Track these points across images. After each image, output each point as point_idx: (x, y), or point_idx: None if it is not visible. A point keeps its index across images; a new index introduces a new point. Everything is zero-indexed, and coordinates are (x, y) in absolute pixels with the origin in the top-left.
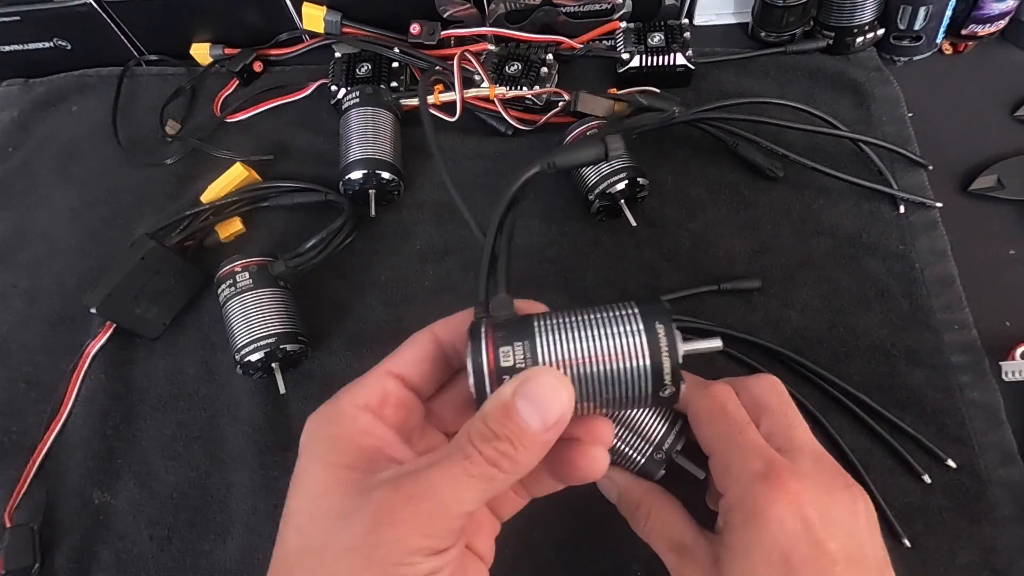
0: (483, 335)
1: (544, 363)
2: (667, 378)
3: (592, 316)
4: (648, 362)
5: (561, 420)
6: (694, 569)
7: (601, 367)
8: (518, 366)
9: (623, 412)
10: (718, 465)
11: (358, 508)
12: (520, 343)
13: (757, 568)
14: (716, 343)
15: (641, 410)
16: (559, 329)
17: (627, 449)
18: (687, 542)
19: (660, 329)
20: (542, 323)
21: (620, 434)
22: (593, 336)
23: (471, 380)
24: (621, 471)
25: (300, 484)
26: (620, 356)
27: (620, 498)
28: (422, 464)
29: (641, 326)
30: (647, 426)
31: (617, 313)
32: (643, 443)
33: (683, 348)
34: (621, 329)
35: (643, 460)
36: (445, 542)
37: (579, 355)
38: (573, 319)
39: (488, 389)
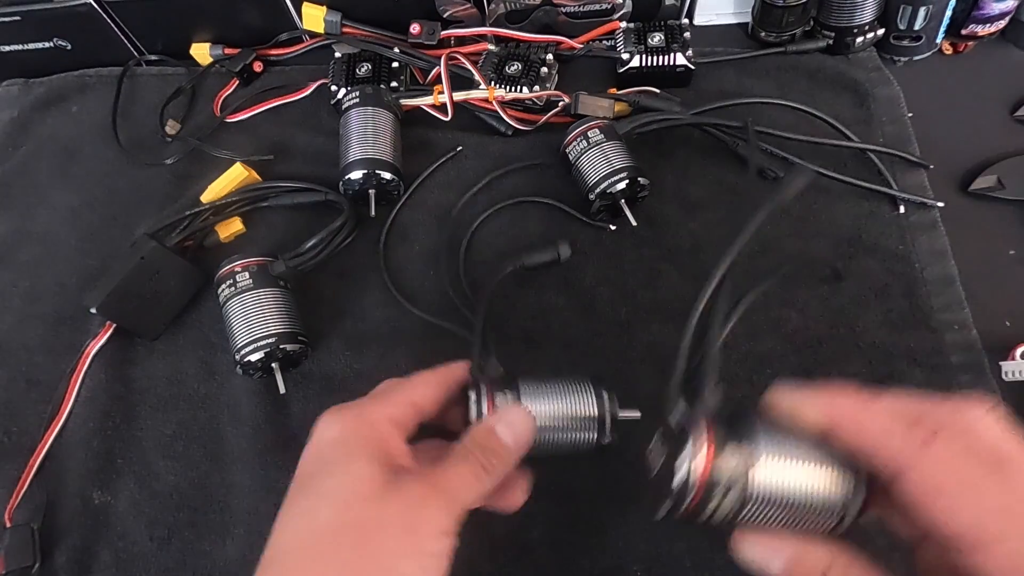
0: (483, 387)
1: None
2: (608, 427)
3: (559, 380)
4: (596, 412)
5: (526, 441)
6: None
7: (562, 413)
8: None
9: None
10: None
11: (393, 495)
12: (511, 392)
13: None
14: (635, 413)
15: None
16: (537, 385)
17: (803, 509)
18: None
19: (605, 395)
20: (525, 382)
21: (792, 503)
22: (559, 393)
23: (473, 415)
24: (782, 537)
25: (339, 470)
26: (577, 407)
27: (794, 565)
28: (437, 466)
29: (592, 391)
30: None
31: (577, 383)
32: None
33: (618, 412)
34: (579, 391)
35: (830, 517)
36: (456, 527)
37: (548, 402)
38: (546, 382)
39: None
